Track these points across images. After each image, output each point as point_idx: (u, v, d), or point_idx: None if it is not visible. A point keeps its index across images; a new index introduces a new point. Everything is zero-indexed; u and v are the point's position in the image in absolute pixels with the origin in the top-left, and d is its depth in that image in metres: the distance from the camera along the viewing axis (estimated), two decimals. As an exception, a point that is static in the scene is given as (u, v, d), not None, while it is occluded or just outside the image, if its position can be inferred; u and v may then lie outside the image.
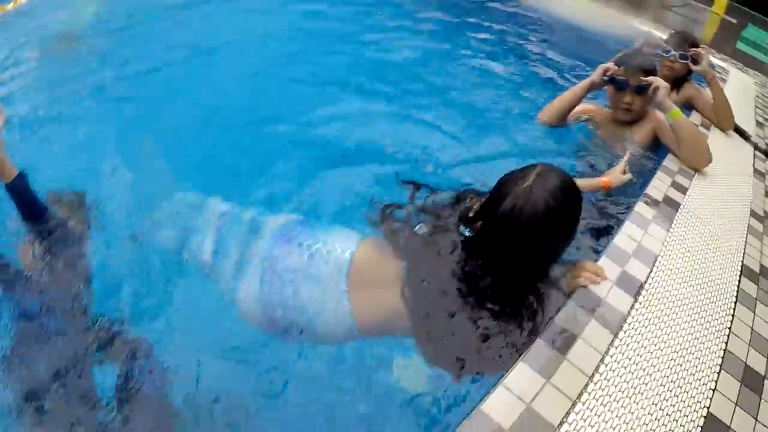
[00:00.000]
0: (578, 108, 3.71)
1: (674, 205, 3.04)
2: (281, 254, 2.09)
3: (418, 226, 2.13)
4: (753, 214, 3.40)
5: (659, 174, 3.25)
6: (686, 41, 4.28)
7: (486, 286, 1.89)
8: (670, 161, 3.42)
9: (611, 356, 1.95)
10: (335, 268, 2.04)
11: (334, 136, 3.34)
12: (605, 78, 3.41)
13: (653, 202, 2.97)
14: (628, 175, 3.07)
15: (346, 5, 5.68)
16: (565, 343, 1.92)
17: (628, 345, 2.03)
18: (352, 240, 2.16)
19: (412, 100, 3.96)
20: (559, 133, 3.57)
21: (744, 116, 5.01)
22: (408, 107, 3.84)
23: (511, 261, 1.83)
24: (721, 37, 12.26)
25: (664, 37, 4.57)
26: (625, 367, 1.93)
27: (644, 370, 1.95)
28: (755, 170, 3.98)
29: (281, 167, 2.92)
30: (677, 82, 4.33)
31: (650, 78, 3.30)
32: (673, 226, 2.84)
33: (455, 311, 1.87)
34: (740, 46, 10.95)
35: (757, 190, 3.66)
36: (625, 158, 3.16)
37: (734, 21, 15.93)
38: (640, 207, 2.90)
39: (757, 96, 6.19)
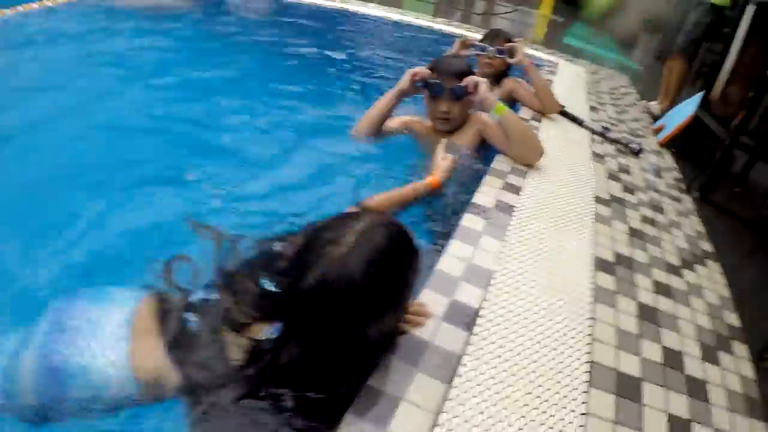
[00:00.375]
0: (397, 121, 3.49)
1: (507, 210, 2.75)
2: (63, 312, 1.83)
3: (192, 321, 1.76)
4: (599, 200, 3.24)
5: (487, 178, 3.01)
6: (500, 36, 4.43)
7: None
8: (498, 162, 3.25)
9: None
10: (118, 316, 1.78)
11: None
12: (418, 84, 3.25)
13: (482, 211, 2.70)
14: (449, 158, 2.86)
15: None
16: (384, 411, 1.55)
17: (466, 393, 1.67)
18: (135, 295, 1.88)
19: (208, 125, 3.71)
20: (378, 147, 3.35)
21: (578, 102, 5.30)
22: (205, 132, 3.60)
23: (320, 338, 1.48)
24: (552, 36, 13.01)
25: (479, 37, 4.47)
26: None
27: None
28: (594, 154, 4.02)
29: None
30: (497, 78, 4.44)
31: (467, 78, 3.16)
32: (507, 233, 2.59)
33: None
34: (568, 40, 11.81)
35: (598, 174, 3.65)
36: (441, 146, 2.96)
37: (561, 19, 16.98)
38: (467, 219, 2.59)
39: (588, 83, 6.53)
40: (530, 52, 7.06)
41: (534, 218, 2.76)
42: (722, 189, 4.05)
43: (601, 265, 2.56)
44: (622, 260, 2.67)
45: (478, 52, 4.42)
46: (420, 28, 7.75)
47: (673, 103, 6.06)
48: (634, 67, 10.73)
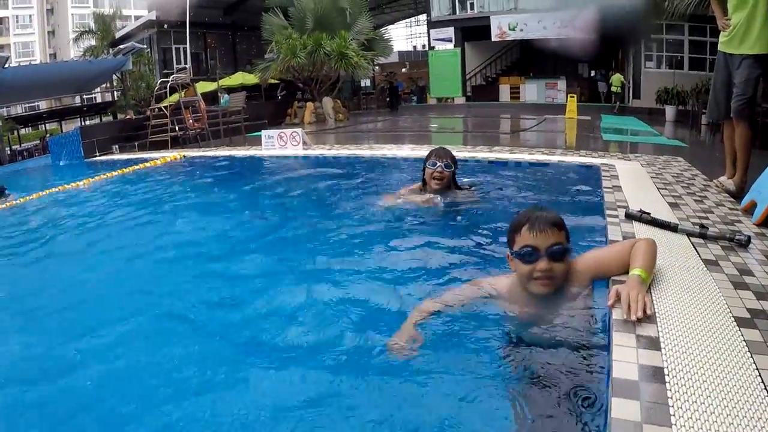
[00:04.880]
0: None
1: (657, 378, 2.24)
2: None
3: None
4: (740, 322, 2.66)
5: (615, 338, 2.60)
6: (447, 154, 5.30)
7: None
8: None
9: None
10: None
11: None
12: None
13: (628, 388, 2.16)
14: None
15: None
16: None
17: None
18: None
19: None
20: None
21: (656, 202, 5.04)
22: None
23: None
24: (586, 135, 12.83)
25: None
26: None
27: None
28: (705, 261, 3.48)
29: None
30: (450, 187, 5.27)
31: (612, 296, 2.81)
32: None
33: None
34: (605, 137, 11.61)
35: (723, 287, 3.12)
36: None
37: (588, 118, 16.90)
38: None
39: (652, 178, 6.26)
40: (595, 161, 7.01)
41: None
42: None
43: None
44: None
45: (427, 167, 5.20)
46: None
47: (746, 171, 5.61)
48: (681, 145, 10.38)
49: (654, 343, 2.41)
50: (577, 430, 2.24)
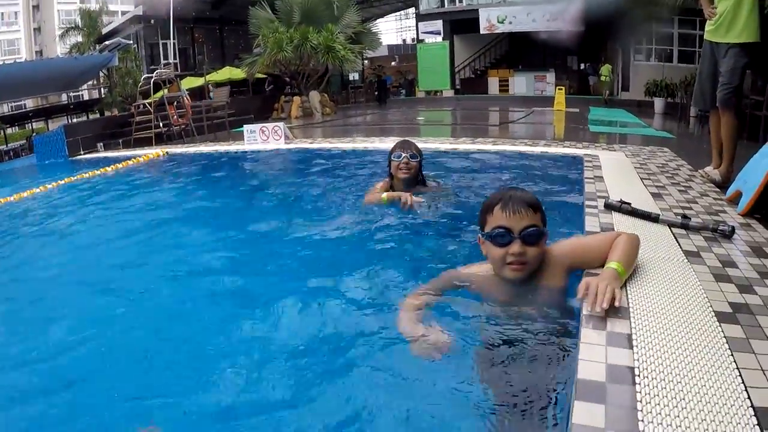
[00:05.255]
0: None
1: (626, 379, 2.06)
2: None
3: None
4: (721, 317, 2.49)
5: (583, 334, 2.40)
6: (411, 145, 5.15)
7: None
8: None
9: None
10: None
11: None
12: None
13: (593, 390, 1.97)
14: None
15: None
16: None
17: None
18: None
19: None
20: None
21: (639, 192, 4.93)
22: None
23: None
24: (573, 126, 12.80)
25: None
26: None
27: None
28: (685, 253, 3.34)
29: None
30: (414, 181, 5.14)
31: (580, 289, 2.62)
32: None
33: None
34: (593, 128, 11.57)
35: (704, 279, 2.94)
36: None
37: (577, 110, 16.82)
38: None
39: (636, 168, 6.18)
40: (562, 150, 6.98)
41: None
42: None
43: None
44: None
45: (392, 159, 5.05)
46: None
47: (732, 162, 5.47)
48: (668, 136, 10.26)
49: (626, 341, 2.22)
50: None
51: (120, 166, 9.93)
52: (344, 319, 3.17)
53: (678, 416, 1.77)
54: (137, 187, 8.20)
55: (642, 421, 1.75)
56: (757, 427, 1.73)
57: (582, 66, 32.09)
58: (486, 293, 2.85)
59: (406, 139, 5.51)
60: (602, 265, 2.79)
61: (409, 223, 4.64)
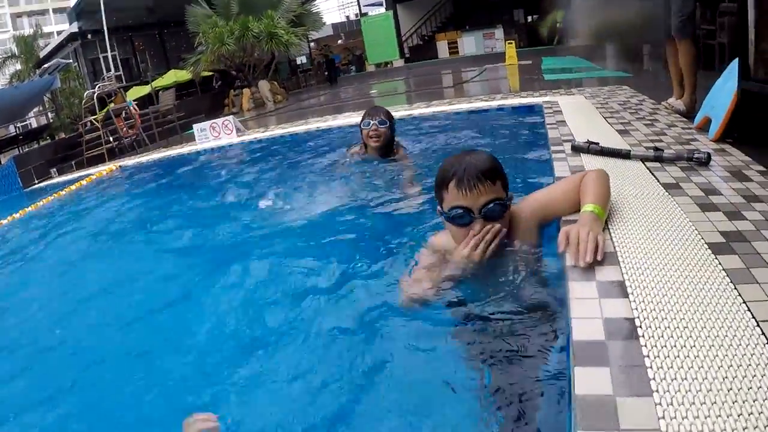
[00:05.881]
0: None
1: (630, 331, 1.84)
2: None
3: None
4: (713, 247, 2.30)
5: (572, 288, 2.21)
6: (380, 110, 5.00)
7: None
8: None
9: None
10: None
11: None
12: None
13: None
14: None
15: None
16: None
17: None
18: None
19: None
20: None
21: (605, 131, 4.77)
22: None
23: None
24: (528, 78, 12.68)
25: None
26: None
27: None
28: (664, 186, 3.15)
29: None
30: (388, 148, 5.10)
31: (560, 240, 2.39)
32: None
33: None
34: (547, 77, 11.48)
35: (688, 211, 2.76)
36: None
37: (530, 62, 16.69)
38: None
39: (598, 108, 6.00)
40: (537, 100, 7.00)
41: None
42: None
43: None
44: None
45: (361, 127, 4.99)
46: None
47: (695, 90, 5.31)
48: (624, 75, 10.14)
49: (619, 289, 1.99)
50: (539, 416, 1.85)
51: (73, 187, 9.55)
52: (324, 306, 3.02)
53: (692, 367, 1.55)
54: (91, 206, 7.87)
55: (654, 379, 1.53)
56: None
57: (529, 18, 32.01)
58: (456, 265, 2.54)
59: (375, 105, 5.40)
60: (576, 211, 2.55)
61: (373, 199, 4.46)
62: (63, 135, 21.07)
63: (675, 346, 1.64)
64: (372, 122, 4.93)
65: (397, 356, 2.35)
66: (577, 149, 4.00)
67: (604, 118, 5.43)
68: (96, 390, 2.88)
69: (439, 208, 2.54)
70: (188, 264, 4.41)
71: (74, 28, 31.50)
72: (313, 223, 4.34)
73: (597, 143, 3.88)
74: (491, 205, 2.36)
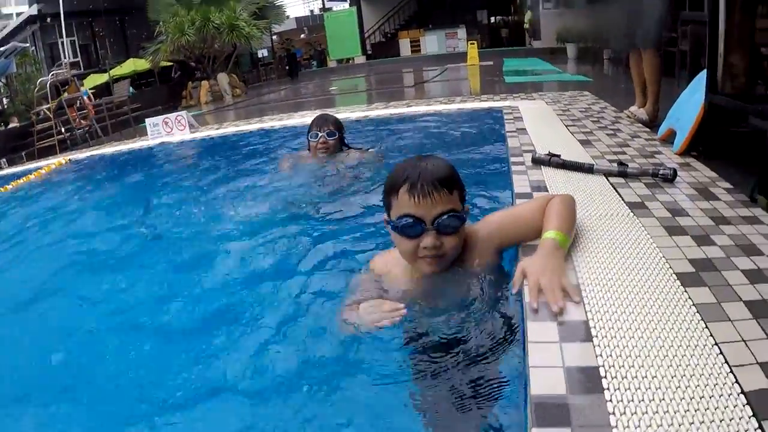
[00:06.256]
0: None
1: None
2: None
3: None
4: (681, 278, 2.14)
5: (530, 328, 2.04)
6: (328, 120, 4.87)
7: None
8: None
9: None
10: None
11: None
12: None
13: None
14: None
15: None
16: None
17: None
18: None
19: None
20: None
21: (567, 142, 4.65)
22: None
23: None
24: (489, 79, 12.65)
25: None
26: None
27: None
28: (629, 205, 3.02)
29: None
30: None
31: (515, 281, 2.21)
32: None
33: None
34: (508, 79, 11.43)
35: (654, 234, 2.61)
36: None
37: (491, 63, 16.65)
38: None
39: (559, 115, 5.90)
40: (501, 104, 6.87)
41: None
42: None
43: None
44: None
45: (308, 138, 4.84)
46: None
47: (658, 99, 5.25)
48: (585, 80, 10.10)
49: (583, 331, 1.80)
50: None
51: (20, 181, 9.14)
52: (275, 309, 2.84)
53: (662, 425, 1.38)
54: (37, 204, 7.51)
55: (612, 412, 1.38)
56: (748, 408, 1.41)
57: (492, 19, 32.15)
58: (403, 289, 2.34)
59: (323, 114, 5.16)
60: (538, 236, 2.33)
61: (325, 196, 4.31)
62: (16, 123, 20.48)
63: (643, 400, 1.46)
64: (320, 134, 4.78)
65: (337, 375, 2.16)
66: (537, 162, 3.83)
67: (566, 126, 5.31)
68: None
69: (385, 216, 2.30)
70: (131, 267, 4.18)
71: (33, 10, 30.73)
72: (254, 229, 4.14)
73: (558, 155, 3.73)
74: (446, 216, 2.12)
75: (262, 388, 2.22)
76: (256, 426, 2.03)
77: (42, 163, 10.74)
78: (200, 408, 2.20)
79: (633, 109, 5.61)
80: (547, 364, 1.66)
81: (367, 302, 2.22)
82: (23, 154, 15.38)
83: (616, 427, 1.38)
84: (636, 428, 1.37)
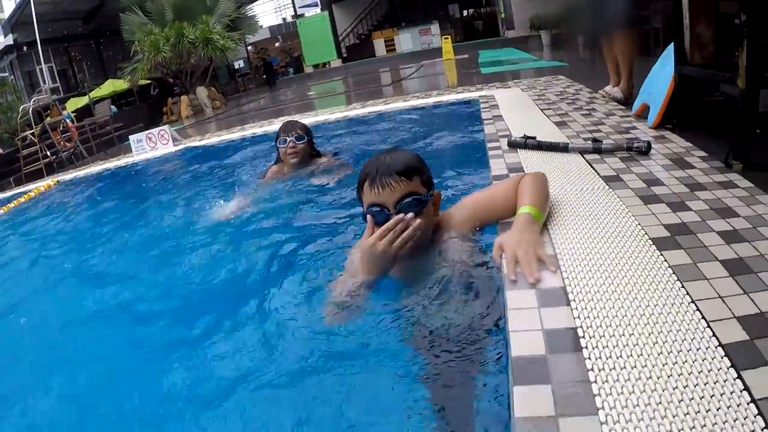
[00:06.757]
0: None
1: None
2: None
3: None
4: (657, 242, 2.20)
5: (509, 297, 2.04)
6: (296, 126, 4.86)
7: None
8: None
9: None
10: None
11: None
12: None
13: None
14: None
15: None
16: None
17: None
18: None
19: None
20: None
21: (542, 124, 4.70)
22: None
23: None
24: (465, 72, 12.66)
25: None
26: None
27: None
28: (605, 179, 3.06)
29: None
30: (310, 158, 4.91)
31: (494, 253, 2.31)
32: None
33: None
34: (484, 70, 11.45)
35: (631, 205, 2.66)
36: None
37: (466, 56, 16.68)
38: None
39: (534, 100, 5.95)
40: (480, 93, 6.86)
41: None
42: (758, 142, 2.98)
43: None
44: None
45: (278, 145, 4.80)
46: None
47: (631, 76, 5.29)
48: (560, 64, 10.15)
49: (561, 296, 1.86)
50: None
51: (11, 206, 9.14)
52: (267, 317, 2.79)
53: (640, 378, 1.43)
54: (29, 226, 7.54)
55: (598, 395, 1.40)
56: (727, 360, 1.45)
57: (465, 12, 32.18)
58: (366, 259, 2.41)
59: (290, 120, 5.19)
60: (513, 214, 2.42)
61: (306, 204, 4.31)
62: (1, 150, 20.42)
63: (621, 356, 1.51)
64: (288, 139, 4.77)
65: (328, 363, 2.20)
66: (513, 145, 3.88)
67: (541, 110, 5.35)
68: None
69: (362, 209, 2.42)
70: (127, 277, 4.20)
71: (9, 40, 30.64)
72: (244, 234, 4.19)
73: (534, 137, 3.77)
74: (406, 200, 2.27)
75: (259, 386, 2.27)
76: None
77: (30, 186, 10.76)
78: (202, 408, 2.25)
79: (608, 88, 5.63)
80: (526, 328, 1.71)
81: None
82: (11, 179, 15.37)
83: (595, 381, 1.44)
84: (615, 382, 1.43)
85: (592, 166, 3.24)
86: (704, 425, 1.26)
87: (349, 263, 2.57)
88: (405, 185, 2.28)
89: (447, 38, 19.71)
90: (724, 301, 1.71)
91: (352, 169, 4.78)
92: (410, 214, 2.24)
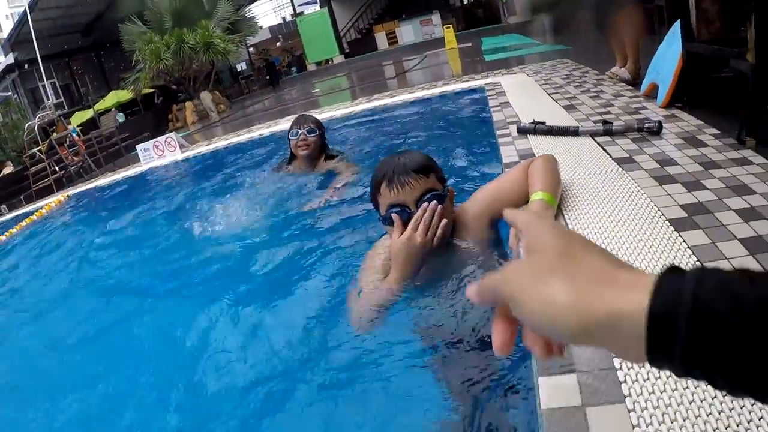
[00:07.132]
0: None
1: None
2: None
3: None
4: (675, 224, 2.18)
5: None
6: (308, 119, 4.82)
7: None
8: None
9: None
10: None
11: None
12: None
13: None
14: None
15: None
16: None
17: None
18: None
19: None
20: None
21: (551, 109, 4.63)
22: None
23: None
24: (469, 61, 12.59)
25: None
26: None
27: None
28: (618, 161, 3.04)
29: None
30: (319, 156, 4.89)
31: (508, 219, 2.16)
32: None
33: None
34: (488, 58, 11.38)
35: (645, 187, 2.64)
36: None
37: (470, 44, 16.62)
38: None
39: (541, 85, 5.86)
40: (462, 86, 6.94)
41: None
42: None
43: None
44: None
45: (289, 137, 4.81)
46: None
47: (638, 57, 5.21)
48: (565, 48, 10.09)
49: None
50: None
51: (24, 223, 9.18)
52: (280, 321, 2.85)
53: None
54: (43, 241, 7.57)
55: (624, 382, 1.41)
56: None
57: (465, 1, 32.11)
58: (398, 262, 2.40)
59: (303, 113, 5.16)
60: (526, 202, 2.41)
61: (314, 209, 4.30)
62: (11, 168, 20.54)
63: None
64: (300, 131, 4.75)
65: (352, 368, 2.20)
66: (523, 131, 3.87)
67: (549, 94, 5.31)
68: None
69: (378, 215, 2.39)
70: (143, 291, 4.22)
71: (10, 59, 30.78)
72: (259, 237, 4.17)
73: (543, 122, 3.76)
74: (427, 195, 2.25)
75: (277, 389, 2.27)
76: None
77: (42, 203, 10.79)
78: (205, 408, 2.27)
79: (615, 69, 5.59)
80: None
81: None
82: (22, 197, 15.43)
83: (621, 369, 1.43)
84: (640, 368, 1.42)
85: (603, 149, 3.23)
86: (732, 407, 1.25)
87: (370, 268, 2.54)
88: (423, 182, 2.26)
89: (449, 27, 19.65)
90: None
91: (360, 170, 4.79)
92: (433, 202, 2.22)
